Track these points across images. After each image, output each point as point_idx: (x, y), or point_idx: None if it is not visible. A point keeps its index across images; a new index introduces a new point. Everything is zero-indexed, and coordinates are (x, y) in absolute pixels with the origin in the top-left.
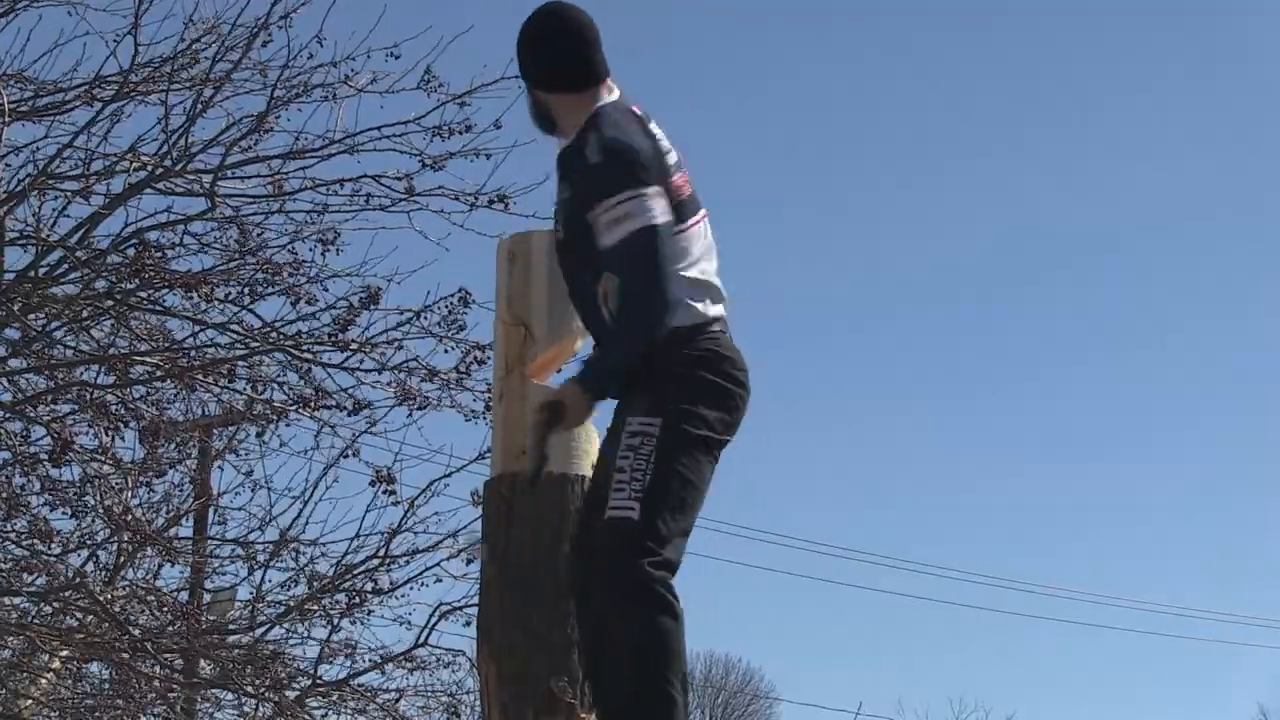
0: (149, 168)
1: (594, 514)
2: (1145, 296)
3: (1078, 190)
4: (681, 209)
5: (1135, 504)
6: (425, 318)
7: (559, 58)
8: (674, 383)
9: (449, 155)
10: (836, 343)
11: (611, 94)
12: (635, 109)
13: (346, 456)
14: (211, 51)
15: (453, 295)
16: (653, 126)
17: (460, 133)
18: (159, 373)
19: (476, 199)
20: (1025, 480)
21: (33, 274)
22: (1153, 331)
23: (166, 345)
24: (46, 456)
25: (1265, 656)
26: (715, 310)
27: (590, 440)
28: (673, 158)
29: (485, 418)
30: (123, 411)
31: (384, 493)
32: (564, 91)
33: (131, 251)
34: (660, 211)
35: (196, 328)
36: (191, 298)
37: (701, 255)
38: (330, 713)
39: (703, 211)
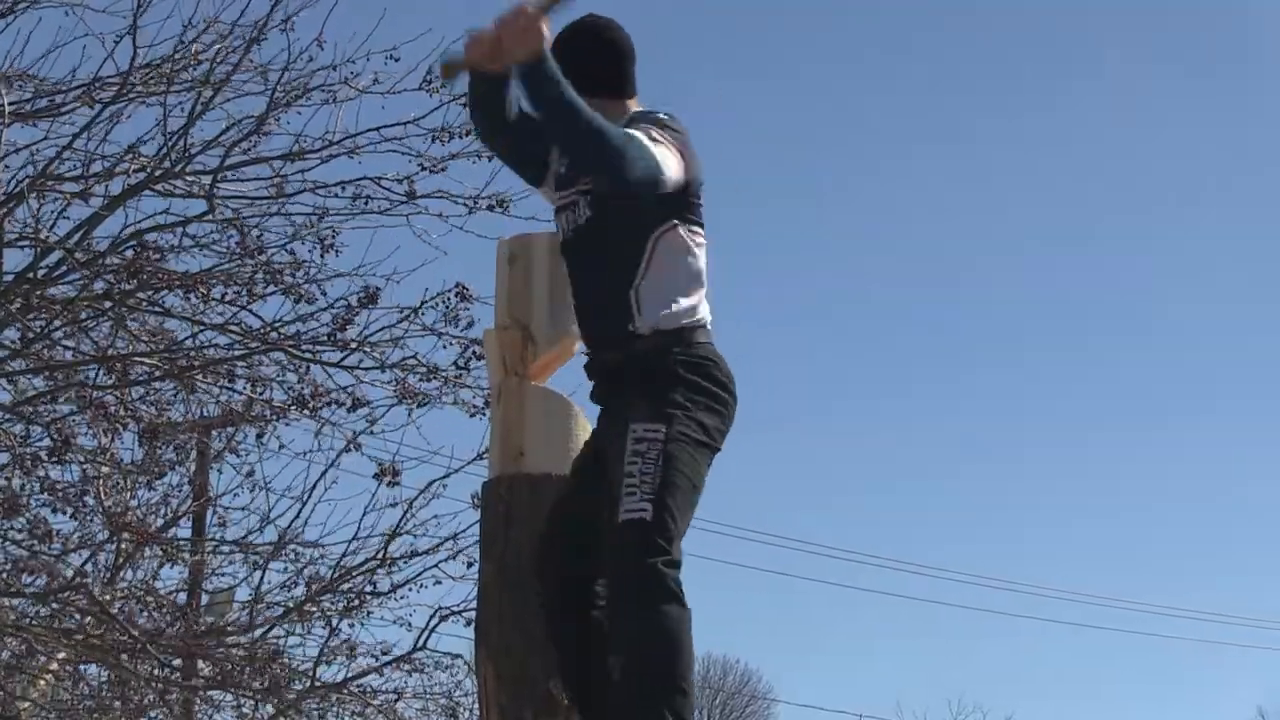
0: (148, 169)
1: (604, 515)
2: (1136, 291)
3: (1069, 177)
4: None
5: (1138, 504)
6: (423, 314)
7: (618, 60)
8: (675, 388)
9: (450, 157)
10: (838, 340)
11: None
12: None
13: (348, 452)
14: (211, 53)
15: (450, 290)
16: None
17: (461, 136)
18: (158, 373)
19: (476, 202)
20: (1026, 480)
21: (32, 275)
22: (1150, 325)
23: (165, 346)
24: (46, 456)
25: (1265, 658)
26: (708, 315)
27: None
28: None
29: (486, 415)
30: (122, 412)
31: (388, 484)
32: (607, 97)
33: (130, 253)
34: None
35: (195, 328)
36: (190, 299)
37: (704, 264)
38: (329, 714)
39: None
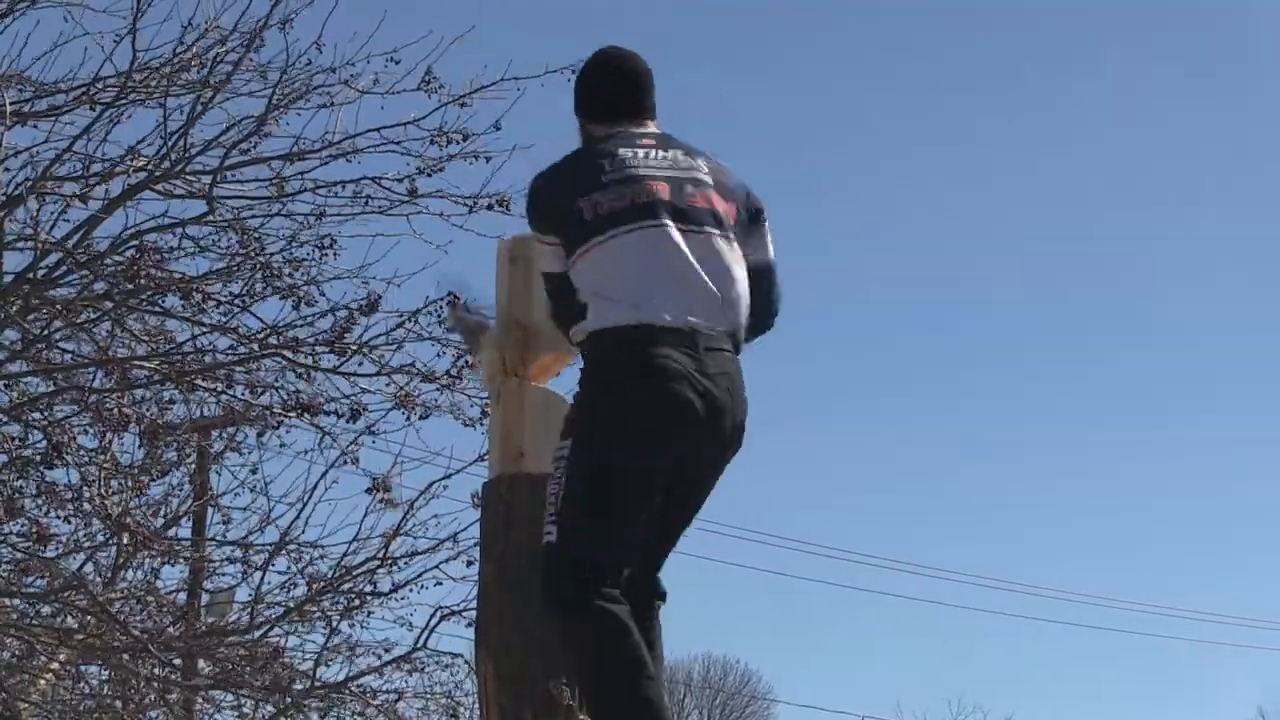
0: (148, 170)
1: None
2: (1135, 291)
3: (1069, 177)
4: (604, 222)
5: (1137, 504)
6: (419, 320)
7: (636, 90)
8: (577, 400)
9: (449, 158)
10: (838, 340)
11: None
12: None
13: (344, 463)
14: (210, 54)
15: (442, 298)
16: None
17: (460, 140)
18: (157, 376)
19: (476, 201)
20: (1025, 480)
21: (31, 276)
22: (1149, 325)
23: (165, 349)
24: (41, 459)
25: (1264, 658)
26: (630, 314)
27: None
28: (615, 176)
29: (482, 424)
30: (121, 415)
31: (380, 501)
32: (626, 122)
33: (130, 254)
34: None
35: (195, 330)
36: (191, 299)
37: (622, 264)
38: (330, 713)
39: (646, 223)
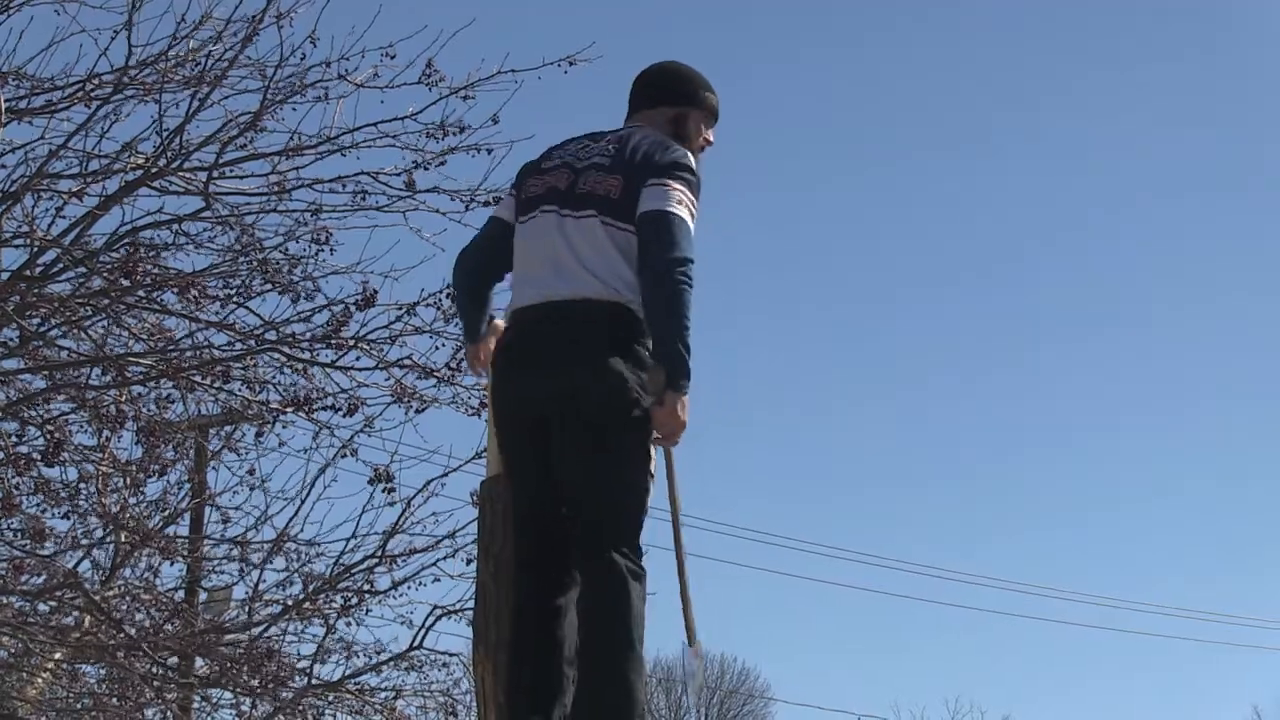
0: (145, 167)
1: None
2: (1133, 288)
3: (1065, 174)
4: (524, 205)
5: (1136, 504)
6: (417, 314)
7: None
8: None
9: (449, 151)
10: (839, 338)
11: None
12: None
13: (344, 456)
14: (206, 50)
15: (440, 291)
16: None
17: (457, 132)
18: (154, 373)
19: (474, 196)
20: (1023, 479)
21: (28, 273)
22: (1147, 321)
23: (161, 345)
24: (40, 457)
25: (1262, 658)
26: (510, 305)
27: None
28: (550, 164)
29: (484, 415)
30: (119, 412)
31: (383, 491)
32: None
33: (125, 250)
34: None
35: (193, 326)
36: (185, 297)
37: (522, 251)
38: (327, 712)
39: (540, 210)
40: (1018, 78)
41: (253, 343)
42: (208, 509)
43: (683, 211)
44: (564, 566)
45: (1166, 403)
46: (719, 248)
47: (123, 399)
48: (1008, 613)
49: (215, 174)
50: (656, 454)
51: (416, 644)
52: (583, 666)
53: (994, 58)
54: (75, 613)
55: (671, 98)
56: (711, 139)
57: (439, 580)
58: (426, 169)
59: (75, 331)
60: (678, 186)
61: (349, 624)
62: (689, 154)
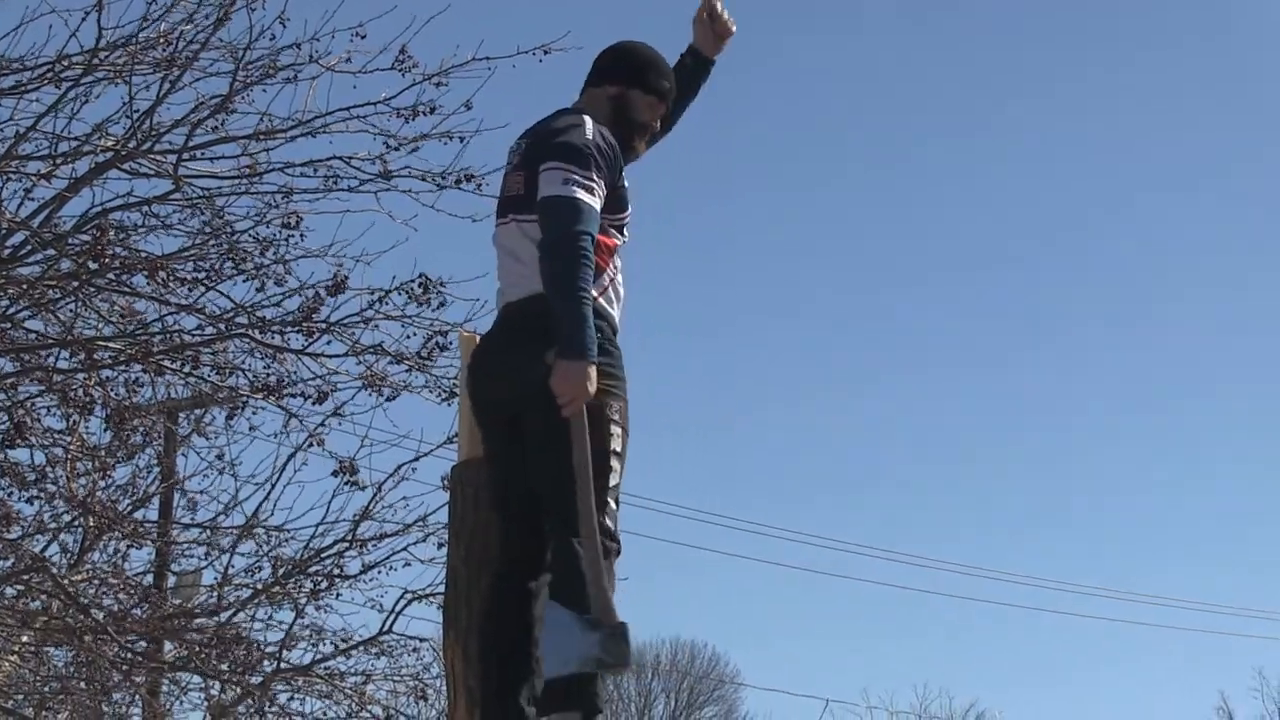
0: (115, 149)
1: None
2: (1113, 279)
3: (1059, 168)
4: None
5: (1102, 490)
6: (389, 301)
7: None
8: None
9: (422, 137)
10: (805, 325)
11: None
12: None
13: (310, 446)
14: (178, 31)
15: (412, 281)
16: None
17: (427, 114)
18: (123, 356)
19: (445, 179)
20: (990, 466)
21: None
22: (1127, 313)
23: (131, 328)
24: (3, 439)
25: (1229, 643)
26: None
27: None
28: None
29: (455, 401)
30: (87, 396)
31: (346, 483)
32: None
33: (92, 232)
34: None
35: (162, 309)
36: (155, 279)
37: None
38: (297, 696)
39: (509, 217)
40: (1024, 73)
41: (222, 327)
42: (177, 493)
43: (570, 190)
44: (540, 551)
45: (1133, 392)
46: (723, 243)
47: (91, 382)
48: (977, 599)
49: (185, 156)
50: (615, 433)
51: (386, 628)
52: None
53: (1002, 52)
54: (43, 597)
55: (613, 76)
56: (656, 125)
57: (409, 565)
58: (399, 149)
59: (43, 314)
60: (563, 165)
61: (319, 609)
62: (582, 126)
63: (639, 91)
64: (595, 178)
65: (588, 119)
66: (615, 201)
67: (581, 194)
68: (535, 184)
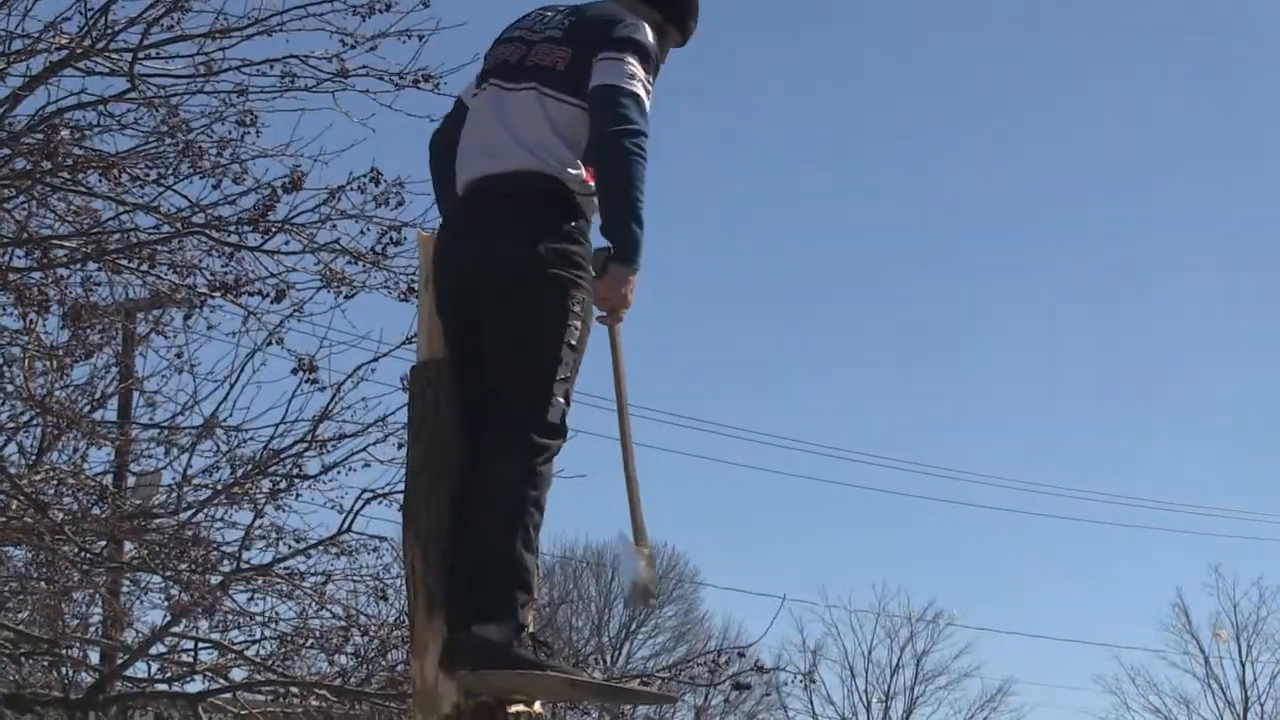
0: (69, 47)
1: None
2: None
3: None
4: (479, 78)
5: (1063, 391)
6: (342, 199)
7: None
8: None
9: (380, 35)
10: (753, 223)
11: None
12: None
13: (270, 344)
14: None
15: (364, 175)
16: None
17: (384, 10)
18: (79, 255)
19: (402, 79)
20: (949, 367)
21: None
22: (1050, 221)
23: (87, 227)
24: None
25: (1186, 541)
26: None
27: None
28: (508, 35)
29: (413, 299)
30: (44, 295)
31: (306, 381)
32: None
33: (45, 130)
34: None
35: (118, 208)
36: (110, 177)
37: (467, 126)
38: (257, 596)
39: (488, 83)
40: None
41: (179, 225)
42: (135, 393)
43: (636, 87)
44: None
45: (1087, 288)
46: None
47: (48, 281)
48: (935, 499)
49: (141, 55)
50: (591, 334)
51: (346, 527)
52: (472, 535)
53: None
54: (0, 496)
55: (664, 5)
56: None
57: (369, 465)
58: (356, 47)
59: None
60: (632, 61)
61: (278, 509)
62: (645, 29)
63: (674, 30)
64: (651, 84)
65: (646, 25)
66: None
67: (646, 98)
68: (583, 65)
